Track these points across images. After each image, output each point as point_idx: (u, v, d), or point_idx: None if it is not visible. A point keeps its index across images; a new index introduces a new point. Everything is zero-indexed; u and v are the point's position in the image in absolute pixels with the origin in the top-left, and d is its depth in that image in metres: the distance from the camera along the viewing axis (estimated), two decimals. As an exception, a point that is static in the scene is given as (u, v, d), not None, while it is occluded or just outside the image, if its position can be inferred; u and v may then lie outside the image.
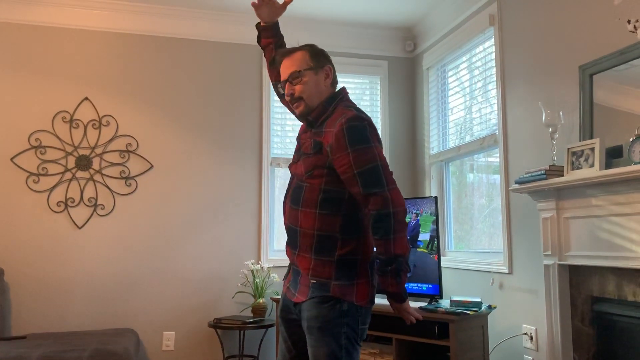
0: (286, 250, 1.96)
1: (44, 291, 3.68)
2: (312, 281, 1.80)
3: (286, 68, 1.93)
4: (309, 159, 1.85)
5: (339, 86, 2.01)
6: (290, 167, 1.98)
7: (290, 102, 1.94)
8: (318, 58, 1.93)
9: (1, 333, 3.41)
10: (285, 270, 2.03)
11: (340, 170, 1.77)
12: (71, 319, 3.70)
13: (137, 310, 3.82)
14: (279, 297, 2.27)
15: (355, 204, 1.81)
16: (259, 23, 2.19)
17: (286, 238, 1.94)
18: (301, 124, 2.01)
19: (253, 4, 2.12)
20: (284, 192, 1.98)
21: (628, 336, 2.36)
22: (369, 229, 1.80)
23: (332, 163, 1.79)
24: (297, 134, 2.03)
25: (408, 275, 1.79)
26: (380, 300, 3.40)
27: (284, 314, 1.95)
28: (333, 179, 1.81)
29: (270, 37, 2.18)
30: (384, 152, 1.87)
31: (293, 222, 1.87)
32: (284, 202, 1.95)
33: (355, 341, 1.81)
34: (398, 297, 1.78)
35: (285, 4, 2.15)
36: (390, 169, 1.82)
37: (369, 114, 4.59)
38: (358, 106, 1.95)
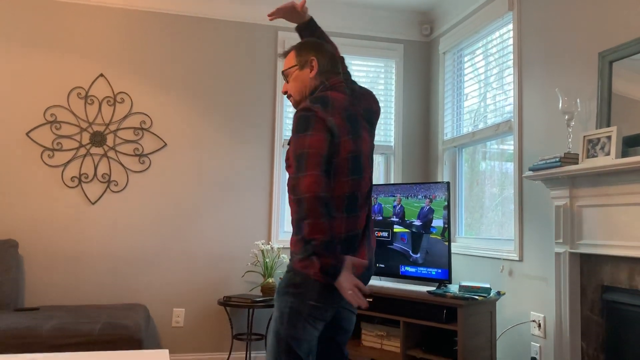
0: None
1: (57, 264, 3.74)
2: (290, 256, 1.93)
3: (282, 69, 2.09)
4: (287, 150, 1.94)
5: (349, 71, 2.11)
6: None
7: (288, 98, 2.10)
8: (303, 53, 2.02)
9: (15, 304, 3.47)
10: None
11: (291, 156, 1.87)
12: (83, 293, 3.76)
13: (147, 286, 3.87)
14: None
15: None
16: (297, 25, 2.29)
17: None
18: None
19: (269, 17, 2.25)
20: None
21: (638, 326, 2.35)
22: (338, 211, 1.86)
23: None
24: None
25: (332, 264, 1.76)
26: (386, 283, 3.44)
27: None
28: None
29: (308, 36, 2.24)
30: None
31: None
32: None
33: (301, 315, 1.83)
34: (322, 275, 1.77)
35: (302, 6, 2.21)
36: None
37: (383, 97, 4.54)
38: (348, 88, 1.99)
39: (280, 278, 2.08)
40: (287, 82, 2.07)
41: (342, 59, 2.19)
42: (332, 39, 2.30)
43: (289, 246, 2.06)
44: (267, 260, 3.85)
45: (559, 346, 2.67)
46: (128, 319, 3.15)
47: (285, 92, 2.09)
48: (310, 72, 2.00)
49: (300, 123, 1.83)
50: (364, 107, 2.00)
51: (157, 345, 3.79)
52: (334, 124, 1.83)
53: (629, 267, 2.34)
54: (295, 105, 2.06)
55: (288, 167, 1.91)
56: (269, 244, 3.99)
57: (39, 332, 2.91)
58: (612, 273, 2.44)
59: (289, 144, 1.91)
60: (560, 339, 2.66)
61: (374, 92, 2.16)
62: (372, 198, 2.07)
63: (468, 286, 3.01)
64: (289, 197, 1.88)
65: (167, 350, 2.19)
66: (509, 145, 3.51)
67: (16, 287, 3.51)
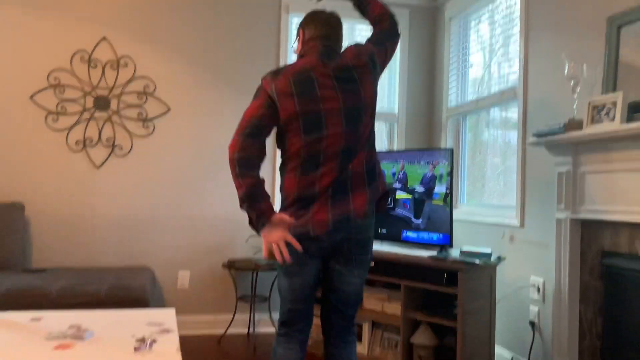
0: None
1: (63, 227, 3.79)
2: None
3: None
4: None
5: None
6: None
7: None
8: (299, 27, 2.17)
9: (22, 265, 3.53)
10: None
11: None
12: (89, 255, 3.82)
13: (153, 249, 3.92)
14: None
15: (283, 150, 2.03)
16: None
17: None
18: None
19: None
20: None
21: (636, 290, 2.39)
22: (292, 170, 1.99)
23: None
24: None
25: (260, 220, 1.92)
26: (387, 248, 3.47)
27: None
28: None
29: (356, 6, 2.34)
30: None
31: None
32: None
33: (279, 267, 2.07)
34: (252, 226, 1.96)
35: None
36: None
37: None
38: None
39: None
40: None
41: (389, 15, 2.24)
42: (334, 3, 2.30)
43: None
44: (271, 225, 3.89)
45: (557, 310, 2.72)
46: (134, 281, 3.20)
47: None
48: (299, 42, 2.15)
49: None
50: (336, 65, 2.02)
51: (162, 307, 3.86)
52: (275, 90, 1.95)
53: (629, 232, 2.37)
54: None
55: None
56: (272, 209, 4.03)
57: (48, 292, 2.97)
58: (612, 238, 2.46)
59: None
60: (559, 302, 2.71)
61: None
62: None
63: (469, 251, 3.04)
64: None
65: (173, 309, 2.24)
66: (513, 113, 3.50)
67: (23, 249, 3.57)
